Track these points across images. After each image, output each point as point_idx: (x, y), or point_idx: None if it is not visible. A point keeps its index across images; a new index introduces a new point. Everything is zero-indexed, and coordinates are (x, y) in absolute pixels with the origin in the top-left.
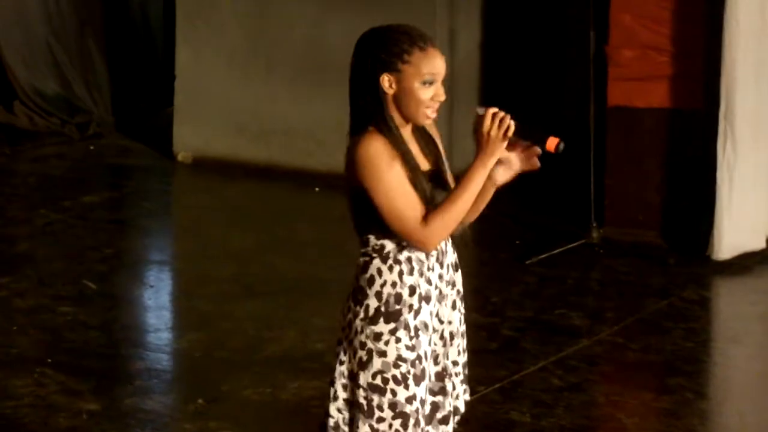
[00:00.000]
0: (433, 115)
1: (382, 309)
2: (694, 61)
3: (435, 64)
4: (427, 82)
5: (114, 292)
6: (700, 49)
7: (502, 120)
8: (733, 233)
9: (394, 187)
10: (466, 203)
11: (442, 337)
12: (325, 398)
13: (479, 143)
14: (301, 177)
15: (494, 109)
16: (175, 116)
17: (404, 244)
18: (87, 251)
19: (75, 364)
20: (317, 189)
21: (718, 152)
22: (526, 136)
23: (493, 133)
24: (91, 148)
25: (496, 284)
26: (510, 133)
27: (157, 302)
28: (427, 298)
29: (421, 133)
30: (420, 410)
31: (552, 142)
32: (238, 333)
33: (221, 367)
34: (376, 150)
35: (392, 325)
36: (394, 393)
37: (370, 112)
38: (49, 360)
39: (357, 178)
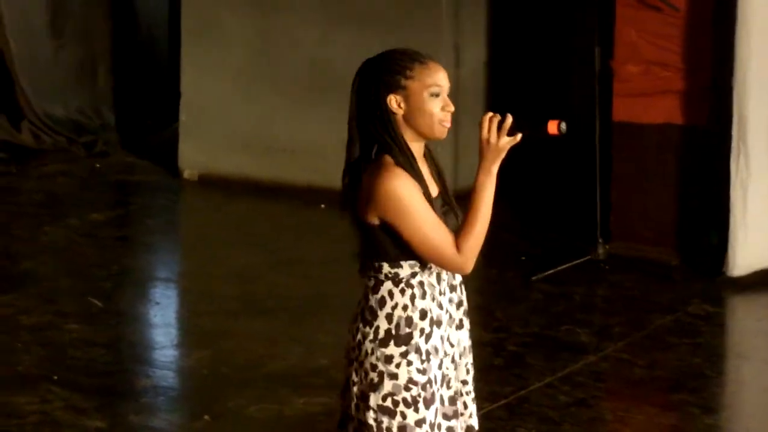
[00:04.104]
0: (448, 125)
1: (393, 331)
2: (699, 76)
3: (438, 76)
4: (434, 94)
5: (119, 310)
6: (706, 65)
7: (499, 122)
8: (749, 250)
9: (426, 222)
10: (486, 217)
11: (453, 360)
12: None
13: (480, 152)
14: (306, 194)
15: (489, 114)
16: (181, 133)
17: (417, 270)
18: (92, 268)
19: (80, 382)
20: (323, 206)
21: (732, 169)
22: (524, 127)
23: (492, 138)
24: (97, 165)
25: (502, 300)
26: (507, 125)
27: (162, 319)
28: (438, 323)
29: (427, 152)
30: None
31: (552, 125)
32: (244, 350)
33: (227, 384)
34: (403, 185)
35: (403, 348)
36: (404, 416)
37: (380, 137)
38: (55, 377)
39: (378, 210)
